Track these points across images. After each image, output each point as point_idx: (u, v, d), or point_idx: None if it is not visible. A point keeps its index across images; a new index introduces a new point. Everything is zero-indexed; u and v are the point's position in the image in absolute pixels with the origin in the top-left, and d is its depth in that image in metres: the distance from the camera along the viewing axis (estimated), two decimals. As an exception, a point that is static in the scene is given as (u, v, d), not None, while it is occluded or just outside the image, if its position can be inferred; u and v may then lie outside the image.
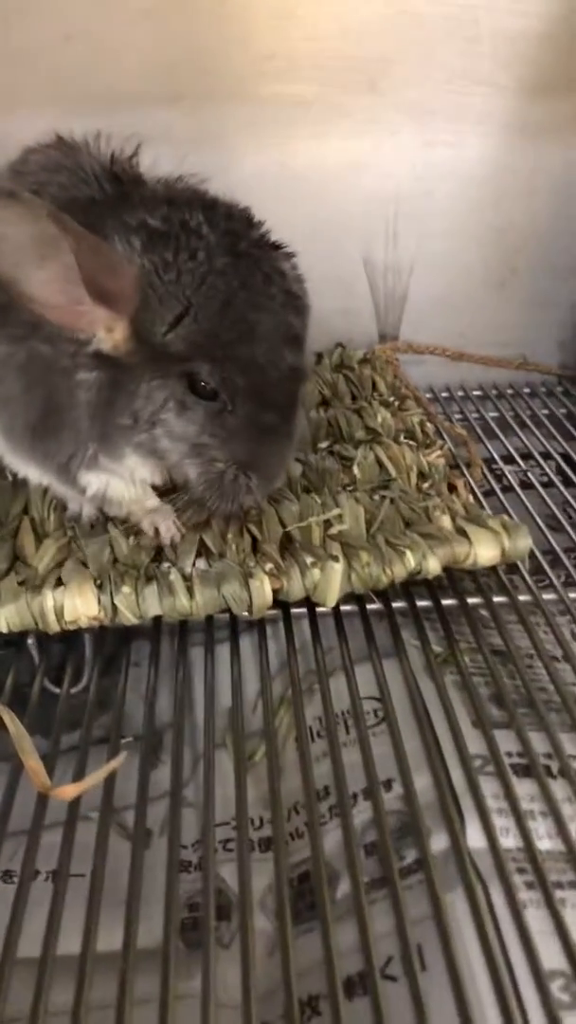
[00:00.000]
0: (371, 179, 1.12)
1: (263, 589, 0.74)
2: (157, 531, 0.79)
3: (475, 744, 0.66)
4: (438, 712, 0.69)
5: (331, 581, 0.74)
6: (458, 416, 1.17)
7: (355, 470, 0.90)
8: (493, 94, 1.09)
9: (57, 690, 0.75)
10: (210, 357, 0.64)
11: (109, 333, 0.65)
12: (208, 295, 0.62)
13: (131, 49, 1.02)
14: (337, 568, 0.74)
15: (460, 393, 1.23)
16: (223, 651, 0.77)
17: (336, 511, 0.82)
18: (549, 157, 1.14)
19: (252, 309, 0.64)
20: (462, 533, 0.78)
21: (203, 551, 0.79)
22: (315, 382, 1.09)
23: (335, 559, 0.75)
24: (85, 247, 0.60)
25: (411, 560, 0.76)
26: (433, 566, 0.76)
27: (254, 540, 0.80)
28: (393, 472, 0.89)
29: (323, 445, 0.96)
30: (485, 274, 1.21)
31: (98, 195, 0.71)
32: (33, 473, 0.79)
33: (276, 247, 0.69)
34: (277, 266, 0.67)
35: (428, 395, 1.21)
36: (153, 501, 0.79)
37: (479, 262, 1.20)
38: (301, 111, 1.08)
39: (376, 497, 0.85)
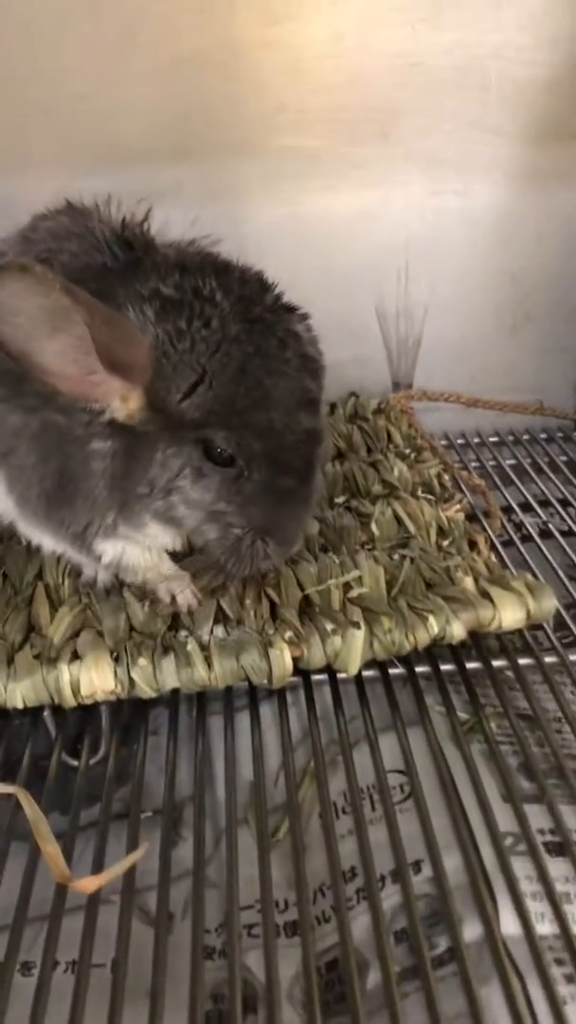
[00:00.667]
0: (382, 228, 1.13)
1: (283, 659, 0.72)
2: (174, 598, 0.77)
3: (505, 820, 0.64)
4: (466, 785, 0.67)
5: (352, 649, 0.73)
6: (474, 463, 1.16)
7: (373, 527, 0.88)
8: (501, 142, 1.10)
9: (75, 763, 0.74)
10: (226, 424, 0.63)
11: (124, 402, 0.64)
12: (223, 362, 0.62)
13: (140, 106, 1.02)
14: (358, 635, 0.73)
15: (476, 440, 1.22)
16: (243, 720, 0.75)
17: (355, 573, 0.80)
18: (558, 202, 1.14)
19: (267, 374, 0.63)
20: (486, 596, 0.77)
21: (221, 617, 0.77)
22: (330, 434, 1.08)
23: (356, 626, 0.73)
24: (98, 318, 0.59)
25: (434, 626, 0.74)
26: (457, 631, 0.74)
27: (272, 605, 0.78)
28: (412, 529, 0.88)
29: (340, 500, 0.95)
30: (497, 319, 1.21)
31: (110, 262, 0.70)
32: (48, 541, 0.78)
33: (290, 309, 0.68)
34: (291, 329, 0.66)
35: (443, 442, 1.20)
36: (169, 567, 0.78)
37: (491, 307, 1.20)
38: (312, 163, 1.08)
39: (395, 557, 0.84)
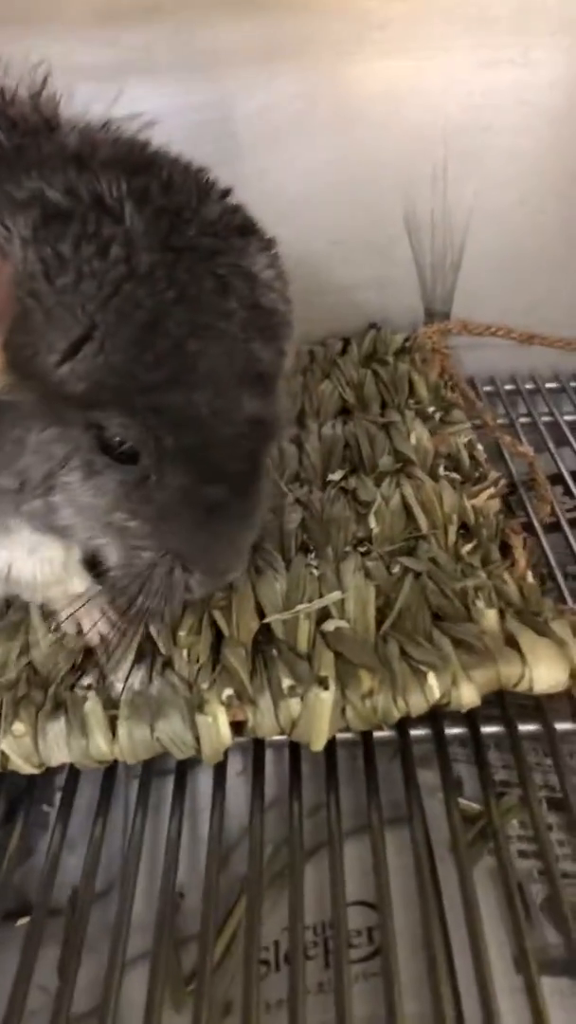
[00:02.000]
0: (413, 111, 0.91)
1: (216, 728, 0.52)
2: (80, 628, 0.57)
3: (517, 1010, 0.43)
4: (461, 935, 0.46)
5: (316, 717, 0.52)
6: (524, 418, 0.93)
7: (372, 521, 0.67)
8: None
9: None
10: (123, 404, 0.44)
11: None
12: (122, 311, 0.43)
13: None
14: (325, 699, 0.52)
15: (529, 386, 1.00)
16: (164, 789, 0.57)
17: (335, 595, 0.59)
18: None
19: (193, 334, 0.44)
20: (512, 644, 0.54)
21: (149, 650, 0.57)
22: (336, 381, 0.86)
23: (323, 684, 0.52)
24: None
25: (435, 688, 0.53)
26: (467, 697, 0.53)
27: (218, 634, 0.58)
28: (424, 526, 0.66)
29: (335, 477, 0.73)
30: (562, 233, 0.98)
31: None
32: None
33: (244, 231, 0.48)
34: (239, 264, 0.46)
35: (488, 388, 0.97)
36: (81, 582, 0.57)
37: (554, 218, 0.98)
38: (320, 23, 0.86)
39: (396, 569, 0.62)
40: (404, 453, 0.74)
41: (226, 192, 0.49)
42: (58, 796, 0.63)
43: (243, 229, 0.48)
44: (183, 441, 0.45)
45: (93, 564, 0.52)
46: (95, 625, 0.57)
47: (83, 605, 0.56)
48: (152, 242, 0.44)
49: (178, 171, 0.48)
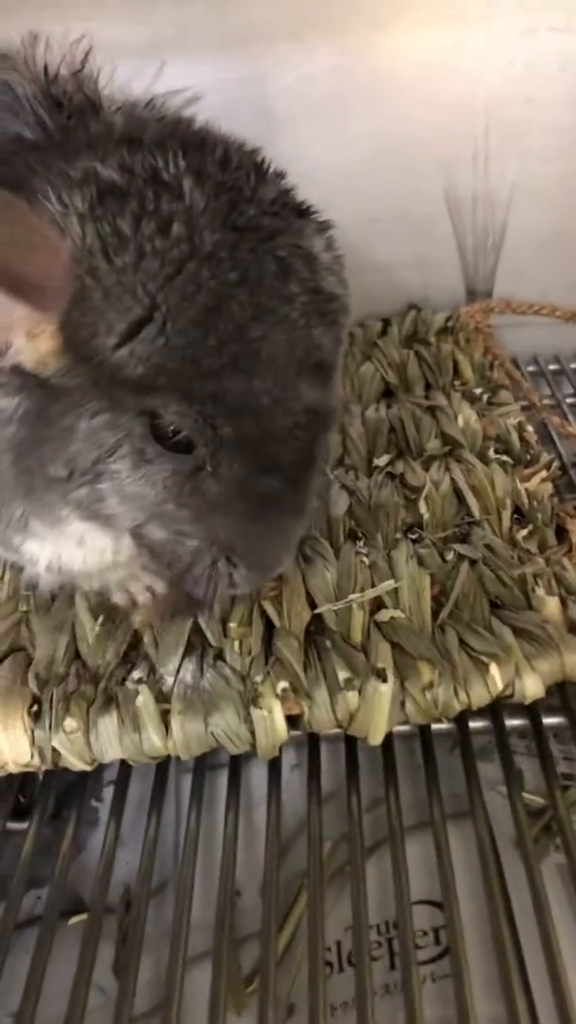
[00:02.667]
0: (453, 83, 0.86)
1: (272, 722, 0.51)
2: (135, 602, 0.56)
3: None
4: (530, 933, 0.45)
5: (374, 710, 0.51)
6: (572, 399, 0.89)
7: (422, 506, 0.65)
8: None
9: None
10: (183, 391, 0.42)
11: (31, 340, 0.43)
12: (185, 292, 0.41)
13: None
14: (384, 692, 0.50)
15: (574, 365, 0.95)
16: (217, 783, 0.55)
17: (389, 584, 0.57)
18: None
19: (255, 318, 0.42)
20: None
21: (198, 643, 0.55)
22: (377, 363, 0.84)
23: (381, 677, 0.50)
24: None
25: (498, 679, 0.51)
26: (532, 688, 0.51)
27: (269, 625, 0.56)
28: (476, 511, 0.64)
29: (381, 461, 0.71)
30: None
31: (31, 132, 0.48)
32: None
33: (303, 212, 0.46)
34: (301, 245, 0.44)
35: (531, 368, 0.94)
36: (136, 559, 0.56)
37: None
38: None
39: (450, 556, 0.60)
40: (452, 436, 0.72)
41: (280, 173, 0.47)
42: (106, 791, 0.62)
43: (301, 210, 0.46)
44: (241, 431, 0.43)
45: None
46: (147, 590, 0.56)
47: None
48: (214, 220, 0.42)
49: (231, 146, 0.46)
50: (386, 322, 0.92)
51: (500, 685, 0.51)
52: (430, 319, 0.91)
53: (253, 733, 0.51)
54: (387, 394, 0.81)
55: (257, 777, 0.57)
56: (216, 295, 0.41)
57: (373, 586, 0.58)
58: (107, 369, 0.42)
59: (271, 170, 0.46)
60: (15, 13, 0.77)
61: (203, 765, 0.55)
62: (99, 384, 0.43)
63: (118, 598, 0.58)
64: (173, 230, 0.41)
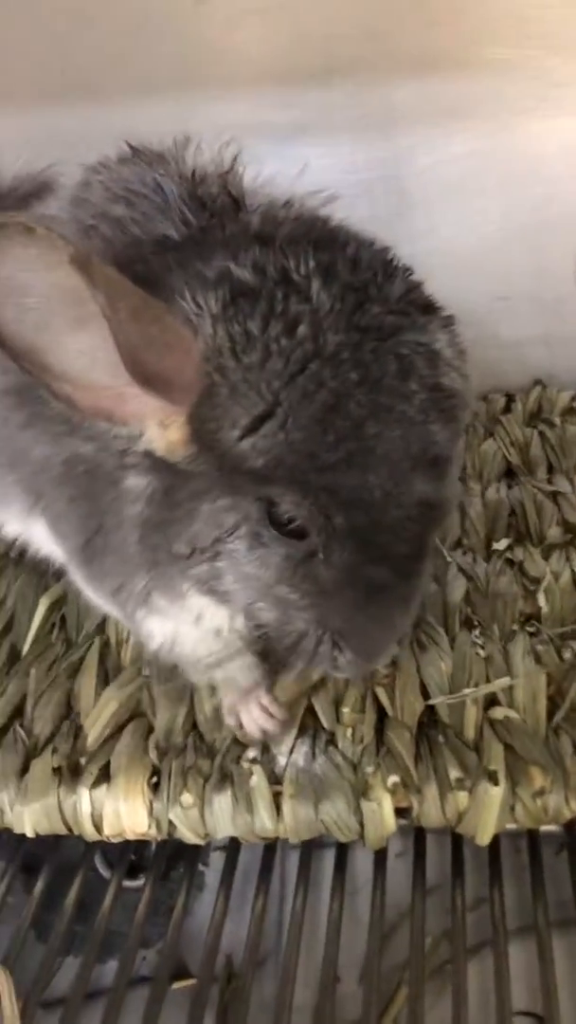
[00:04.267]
0: None
1: (381, 815, 0.51)
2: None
3: None
4: None
5: (485, 812, 0.51)
6: None
7: (541, 599, 0.65)
8: None
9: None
10: (299, 482, 0.43)
11: (162, 430, 0.45)
12: (307, 390, 0.42)
13: (269, 12, 0.79)
14: (495, 795, 0.50)
15: None
16: (323, 862, 0.56)
17: (504, 681, 0.57)
18: None
19: (374, 415, 0.43)
20: None
21: (311, 726, 0.57)
22: (499, 441, 0.84)
23: (493, 780, 0.51)
24: (123, 307, 0.40)
25: (612, 789, 0.50)
26: None
27: (381, 712, 0.57)
28: (597, 607, 0.63)
29: (500, 546, 0.71)
30: None
31: (175, 231, 0.51)
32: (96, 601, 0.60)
33: (427, 309, 0.46)
34: (425, 343, 0.44)
35: None
36: (244, 668, 0.58)
37: None
38: (498, 81, 0.83)
39: (568, 655, 0.60)
40: (574, 524, 0.72)
41: (408, 269, 0.48)
42: (213, 855, 0.64)
43: (426, 306, 0.46)
44: (353, 522, 0.43)
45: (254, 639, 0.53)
46: (254, 721, 0.58)
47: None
48: (338, 321, 0.43)
49: (361, 245, 0.47)
50: (510, 398, 0.91)
51: (615, 796, 0.50)
52: (556, 397, 0.91)
53: (362, 824, 0.52)
54: (508, 473, 0.81)
55: (362, 861, 0.58)
56: (336, 394, 0.42)
57: (488, 680, 0.58)
58: (230, 459, 0.44)
59: (399, 266, 0.47)
60: (172, 92, 0.82)
61: (310, 844, 0.57)
62: (222, 471, 0.45)
63: (226, 714, 0.60)
64: (299, 331, 0.42)
